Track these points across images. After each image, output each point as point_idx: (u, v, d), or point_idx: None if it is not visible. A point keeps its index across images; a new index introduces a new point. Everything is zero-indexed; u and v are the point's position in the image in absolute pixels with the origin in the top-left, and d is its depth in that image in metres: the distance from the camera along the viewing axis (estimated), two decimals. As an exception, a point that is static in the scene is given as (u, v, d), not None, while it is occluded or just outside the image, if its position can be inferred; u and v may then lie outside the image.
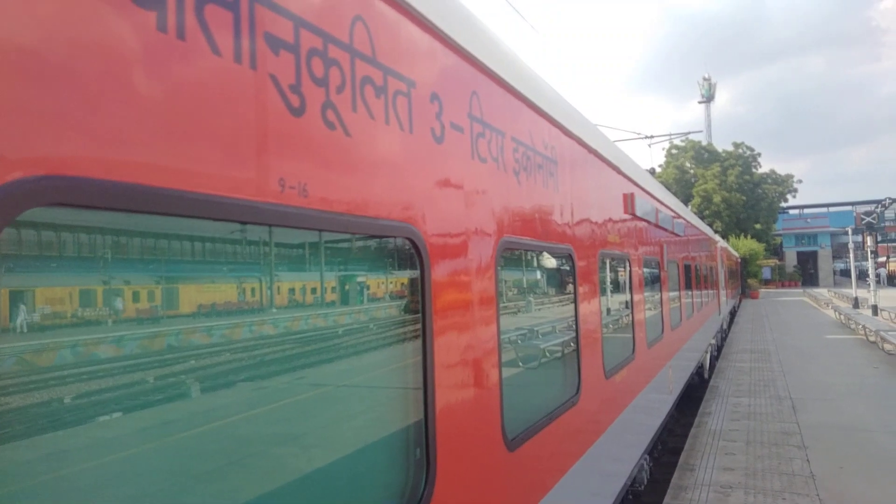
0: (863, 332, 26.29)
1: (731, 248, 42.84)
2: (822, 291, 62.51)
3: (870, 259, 36.49)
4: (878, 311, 33.39)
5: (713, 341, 21.62)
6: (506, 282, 4.09)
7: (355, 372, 3.01)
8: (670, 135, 31.57)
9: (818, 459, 10.05)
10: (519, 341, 4.63)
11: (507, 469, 3.70)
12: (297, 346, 2.61)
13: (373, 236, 2.54)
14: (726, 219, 75.14)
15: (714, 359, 21.33)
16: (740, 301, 52.40)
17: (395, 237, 2.71)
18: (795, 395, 15.10)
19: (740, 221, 77.01)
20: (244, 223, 1.92)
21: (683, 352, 13.07)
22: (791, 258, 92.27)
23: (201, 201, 1.74)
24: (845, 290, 54.54)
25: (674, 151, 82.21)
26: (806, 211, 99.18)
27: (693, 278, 16.16)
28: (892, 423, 12.38)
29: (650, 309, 9.48)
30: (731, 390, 16.15)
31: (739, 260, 55.24)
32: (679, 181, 79.48)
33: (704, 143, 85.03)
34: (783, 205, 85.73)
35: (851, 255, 45.89)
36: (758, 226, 78.16)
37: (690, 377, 14.70)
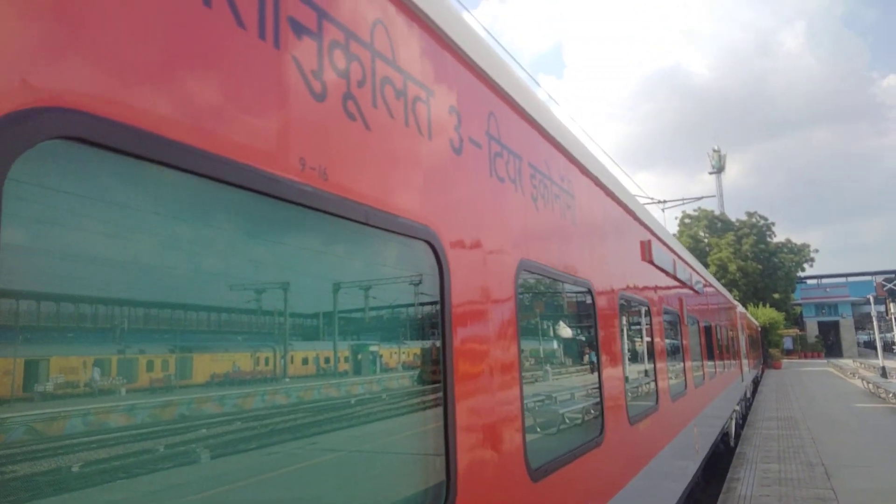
0: (894, 401, 25.33)
1: (750, 317, 42.14)
2: (846, 362, 60.77)
3: (895, 327, 35.60)
4: (908, 381, 32.27)
5: (737, 408, 20.91)
6: (525, 315, 4.02)
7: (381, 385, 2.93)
8: (683, 200, 31.89)
9: (858, 526, 9.46)
10: (536, 385, 4.51)
11: (531, 500, 3.52)
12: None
13: (392, 232, 2.52)
14: (744, 288, 74.30)
15: (739, 427, 20.55)
16: (763, 371, 50.96)
17: (414, 238, 2.70)
18: (827, 461, 14.40)
19: (758, 291, 76.03)
20: (263, 194, 1.92)
21: (707, 412, 12.63)
22: (812, 328, 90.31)
23: (222, 163, 1.76)
24: (871, 361, 52.98)
25: (687, 220, 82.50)
26: (824, 281, 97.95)
27: (714, 339, 15.83)
28: (933, 489, 11.71)
29: (672, 362, 9.25)
30: (760, 456, 15.46)
31: (759, 329, 54.18)
32: (693, 250, 79.24)
33: (717, 212, 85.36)
34: (801, 274, 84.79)
35: (875, 324, 44.86)
36: (776, 295, 77.06)
37: (716, 443, 14.14)
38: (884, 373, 38.28)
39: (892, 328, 37.41)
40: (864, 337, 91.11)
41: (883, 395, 28.04)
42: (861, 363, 54.23)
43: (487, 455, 3.11)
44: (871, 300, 44.95)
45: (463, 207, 3.19)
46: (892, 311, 34.69)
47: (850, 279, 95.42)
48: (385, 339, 2.99)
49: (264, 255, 2.19)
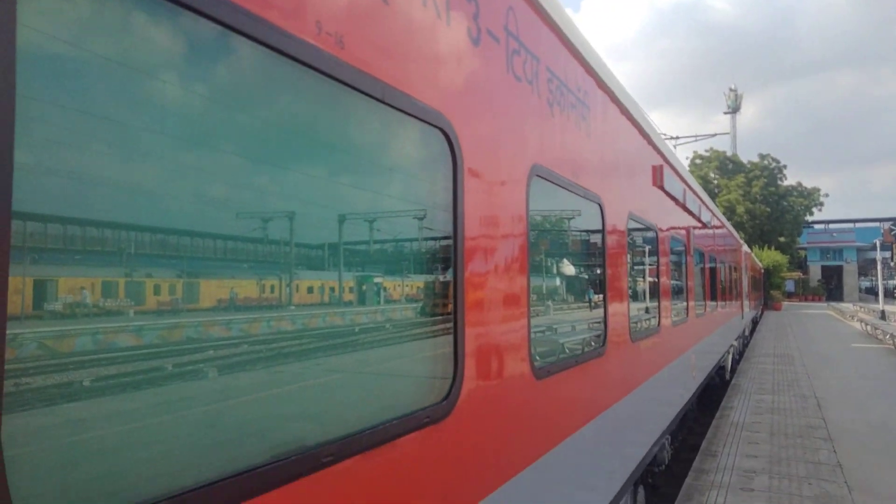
0: (890, 342, 25.67)
1: (754, 257, 42.19)
2: (846, 305, 61.26)
3: (898, 271, 35.63)
4: (906, 324, 32.60)
5: (735, 343, 21.26)
6: (536, 224, 4.01)
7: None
8: (696, 136, 31.27)
9: (845, 451, 9.79)
10: (544, 286, 4.56)
11: (535, 392, 3.64)
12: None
13: (406, 114, 2.49)
14: (750, 230, 74.04)
15: (735, 362, 20.95)
16: (762, 312, 51.48)
17: (428, 124, 2.67)
18: (820, 394, 14.76)
19: (764, 234, 75.80)
20: (276, 51, 1.88)
21: (706, 343, 12.86)
22: (815, 272, 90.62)
23: (238, 11, 1.73)
24: (871, 305, 53.39)
25: (697, 161, 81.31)
26: (832, 226, 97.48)
27: (717, 274, 15.92)
28: (922, 421, 12.04)
29: (675, 289, 9.34)
30: (754, 388, 15.85)
31: (763, 270, 54.37)
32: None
33: (729, 153, 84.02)
34: (808, 219, 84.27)
35: (879, 268, 44.92)
36: (782, 239, 76.86)
37: (712, 373, 14.45)
38: (883, 315, 38.65)
39: (894, 275, 37.62)
40: (865, 283, 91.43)
41: (881, 337, 28.40)
42: (861, 307, 54.67)
43: (494, 349, 3.19)
44: (878, 245, 44.81)
45: (478, 100, 3.14)
46: (898, 256, 34.62)
47: (858, 225, 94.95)
48: (395, 231, 3.01)
49: (278, 125, 2.17)
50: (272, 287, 2.29)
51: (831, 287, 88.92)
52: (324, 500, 1.98)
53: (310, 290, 2.42)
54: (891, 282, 57.49)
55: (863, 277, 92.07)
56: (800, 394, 14.93)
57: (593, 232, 5.29)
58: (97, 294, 1.61)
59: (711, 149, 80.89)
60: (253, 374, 2.18)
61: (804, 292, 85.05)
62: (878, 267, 45.14)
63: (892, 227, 38.36)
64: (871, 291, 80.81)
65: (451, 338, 2.83)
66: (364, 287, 2.74)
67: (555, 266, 4.79)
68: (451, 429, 2.72)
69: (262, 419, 2.05)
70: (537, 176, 3.82)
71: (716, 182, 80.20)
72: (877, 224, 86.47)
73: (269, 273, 2.26)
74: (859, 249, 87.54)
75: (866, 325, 33.16)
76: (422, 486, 2.52)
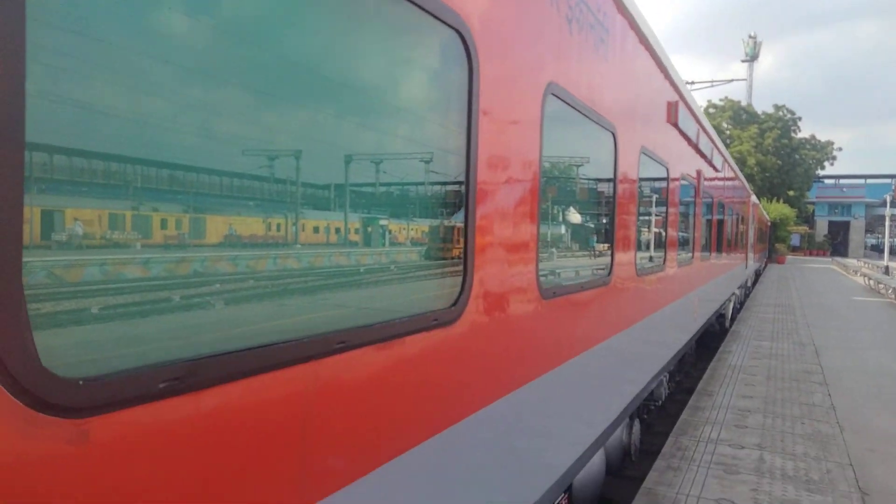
0: (893, 296, 25.78)
1: (762, 209, 41.93)
2: (851, 261, 61.19)
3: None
4: (910, 279, 32.64)
5: (737, 292, 21.39)
6: (549, 145, 3.94)
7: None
8: (712, 82, 30.49)
9: (839, 394, 9.97)
10: (556, 207, 4.53)
11: (540, 311, 3.68)
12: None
13: (421, 9, 2.40)
14: (759, 182, 73.23)
15: (736, 312, 21.12)
16: (766, 265, 51.55)
17: (444, 24, 2.58)
18: (818, 343, 14.93)
19: (773, 187, 75.04)
20: None
21: (709, 287, 12.92)
22: (822, 227, 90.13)
23: None
24: (876, 262, 53.35)
25: (711, 110, 79.66)
26: (842, 181, 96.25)
27: (725, 220, 15.84)
28: (918, 370, 12.22)
29: (682, 230, 9.31)
30: (753, 335, 16.02)
31: (769, 223, 54.11)
32: (714, 141, 77.07)
33: (744, 103, 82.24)
34: (819, 173, 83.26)
35: (888, 223, 44.62)
36: (791, 192, 76.17)
37: (713, 318, 14.59)
38: (887, 271, 38.65)
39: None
40: (871, 240, 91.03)
41: (883, 291, 28.51)
42: (865, 262, 54.63)
43: (502, 262, 3.20)
44: (888, 200, 44.38)
45: (495, 5, 3.04)
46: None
47: (869, 181, 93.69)
48: (408, 135, 2.96)
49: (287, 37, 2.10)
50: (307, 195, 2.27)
51: (837, 242, 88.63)
52: (334, 383, 2.02)
53: (325, 200, 2.41)
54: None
55: (869, 234, 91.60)
56: (798, 341, 15.10)
57: (605, 162, 5.22)
58: (104, 226, 1.61)
59: (726, 98, 79.22)
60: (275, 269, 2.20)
61: (809, 247, 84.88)
62: (887, 222, 44.82)
63: (905, 183, 37.78)
64: (877, 248, 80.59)
65: (461, 247, 2.83)
66: (377, 192, 2.72)
67: (565, 191, 4.75)
68: (458, 334, 2.75)
69: (279, 303, 2.08)
70: (552, 94, 3.73)
71: (728, 132, 78.82)
72: (888, 180, 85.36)
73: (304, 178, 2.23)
74: (868, 205, 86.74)
75: (869, 279, 33.23)
76: (426, 385, 2.57)
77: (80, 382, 1.30)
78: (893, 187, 58.64)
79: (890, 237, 46.62)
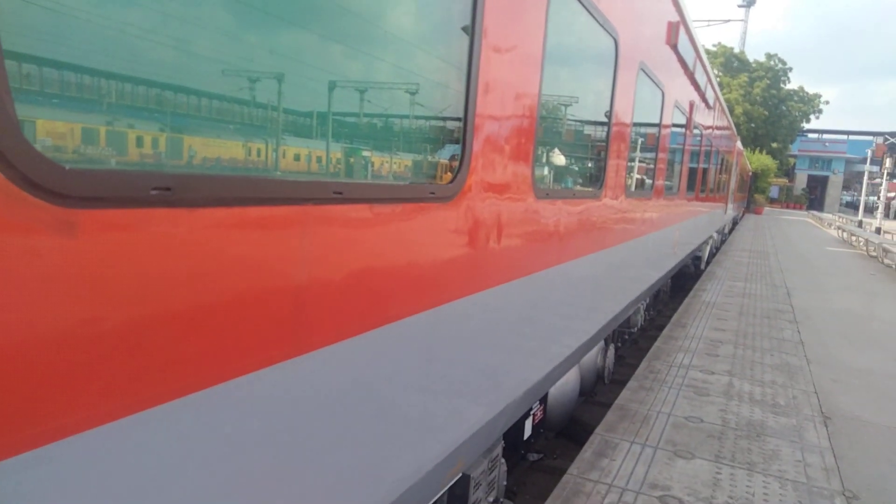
0: (864, 247, 26.34)
1: (746, 158, 42.03)
2: (826, 215, 62.20)
3: (884, 182, 35.89)
4: (882, 233, 33.33)
5: (715, 236, 21.63)
6: (551, 42, 3.74)
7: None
8: (708, 21, 29.79)
9: (808, 331, 10.23)
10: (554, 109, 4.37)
11: (532, 208, 3.59)
12: None
13: None
14: (745, 132, 73.11)
15: (711, 256, 21.41)
16: (743, 214, 52.17)
17: None
18: (790, 285, 15.25)
19: (758, 137, 75.09)
20: None
21: (691, 223, 12.99)
22: (801, 181, 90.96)
23: None
24: (851, 217, 54.29)
25: (703, 56, 78.41)
26: (825, 136, 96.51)
27: (711, 158, 15.79)
28: (881, 312, 12.61)
29: (671, 161, 9.22)
30: (728, 276, 16.29)
31: (751, 173, 54.43)
32: (703, 88, 76.26)
33: (737, 50, 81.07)
34: (804, 126, 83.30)
35: (865, 179, 45.16)
36: (775, 144, 76.36)
37: (690, 256, 14.76)
38: (860, 224, 39.40)
39: (877, 191, 37.87)
40: (847, 197, 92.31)
41: (854, 243, 29.11)
42: (840, 216, 55.60)
43: (499, 150, 3.08)
44: (869, 155, 44.75)
45: None
46: (888, 166, 34.65)
47: (852, 137, 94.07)
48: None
49: None
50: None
51: (814, 197, 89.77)
52: (328, 234, 1.92)
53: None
54: (871, 197, 58.20)
55: (845, 192, 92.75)
56: (771, 283, 15.40)
57: (605, 70, 5.04)
58: (76, 140, 1.46)
59: (719, 44, 77.97)
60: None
61: (787, 199, 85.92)
62: (865, 177, 45.35)
63: (887, 138, 38.05)
64: (852, 205, 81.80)
65: (461, 126, 2.70)
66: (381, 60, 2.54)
67: (567, 93, 4.58)
68: (453, 211, 2.65)
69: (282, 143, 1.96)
70: None
71: (719, 80, 77.96)
72: (870, 138, 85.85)
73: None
74: (848, 161, 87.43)
75: (843, 231, 33.86)
76: (414, 259, 2.48)
77: (67, 168, 1.18)
78: (874, 144, 59.02)
79: (866, 194, 47.32)
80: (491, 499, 4.09)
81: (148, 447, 1.44)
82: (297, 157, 1.99)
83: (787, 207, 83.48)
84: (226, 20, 1.74)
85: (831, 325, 10.98)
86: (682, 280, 16.55)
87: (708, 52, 78.77)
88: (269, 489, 1.84)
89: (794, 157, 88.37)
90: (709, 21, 30.18)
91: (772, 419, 6.17)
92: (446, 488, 3.38)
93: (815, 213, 66.22)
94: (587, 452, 5.12)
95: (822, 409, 6.54)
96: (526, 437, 5.01)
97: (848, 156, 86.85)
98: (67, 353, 1.23)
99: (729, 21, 47.94)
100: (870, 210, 56.30)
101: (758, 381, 7.40)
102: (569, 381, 6.15)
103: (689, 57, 8.79)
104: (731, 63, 78.04)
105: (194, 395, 1.52)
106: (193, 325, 1.49)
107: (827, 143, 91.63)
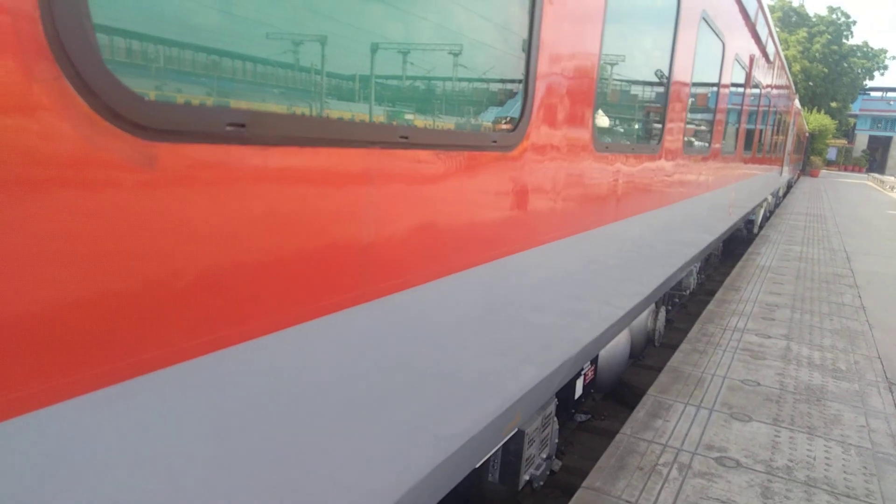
0: (929, 211, 25.01)
1: (803, 117, 40.15)
2: (888, 177, 59.21)
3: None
4: (949, 196, 31.55)
5: (770, 198, 20.86)
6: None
7: None
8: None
9: (870, 296, 9.82)
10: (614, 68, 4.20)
11: (592, 162, 3.48)
12: None
13: None
14: (801, 91, 69.68)
15: (765, 220, 20.69)
16: (798, 177, 50.11)
17: None
18: (850, 249, 14.63)
19: (816, 97, 71.52)
20: None
21: (747, 184, 12.52)
22: (861, 142, 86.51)
23: None
24: (914, 179, 51.55)
25: (759, 10, 74.53)
26: (890, 94, 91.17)
27: (769, 117, 15.11)
28: (952, 279, 11.98)
29: (729, 117, 8.83)
30: (783, 240, 15.73)
31: (808, 133, 52.06)
32: (758, 45, 72.65)
33: (796, 4, 76.78)
34: (867, 84, 78.81)
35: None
36: (834, 104, 72.64)
37: (745, 219, 14.28)
38: (925, 188, 37.36)
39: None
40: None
41: (919, 207, 27.67)
42: (903, 179, 52.82)
43: (560, 100, 2.98)
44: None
45: None
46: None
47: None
48: None
49: None
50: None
51: (875, 159, 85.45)
52: (395, 177, 1.88)
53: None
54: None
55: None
56: (829, 247, 14.80)
57: (666, 20, 4.80)
58: (155, 72, 1.43)
59: (777, -2, 73.95)
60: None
61: (846, 162, 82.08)
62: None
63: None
64: (916, 167, 77.64)
65: (523, 78, 2.60)
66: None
67: (629, 43, 4.39)
68: (513, 162, 2.58)
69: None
70: None
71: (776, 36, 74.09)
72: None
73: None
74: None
75: (906, 194, 32.19)
76: (476, 210, 2.43)
77: (147, 98, 1.16)
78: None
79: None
80: (544, 455, 4.10)
81: (239, 380, 1.46)
82: (365, 99, 1.95)
83: (846, 170, 79.81)
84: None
85: (895, 290, 10.51)
86: (733, 245, 16.07)
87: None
88: (333, 435, 1.85)
89: (855, 116, 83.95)
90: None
91: (832, 384, 5.97)
92: (502, 442, 3.38)
93: (875, 175, 63.04)
94: (640, 413, 5.06)
95: (887, 375, 6.30)
96: (577, 396, 4.98)
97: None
98: (149, 287, 1.23)
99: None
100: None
101: (817, 345, 7.16)
102: (620, 343, 6.08)
103: (752, 6, 8.33)
104: (789, 17, 74.04)
105: (267, 337, 1.53)
106: (264, 266, 1.48)
107: (892, 102, 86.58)
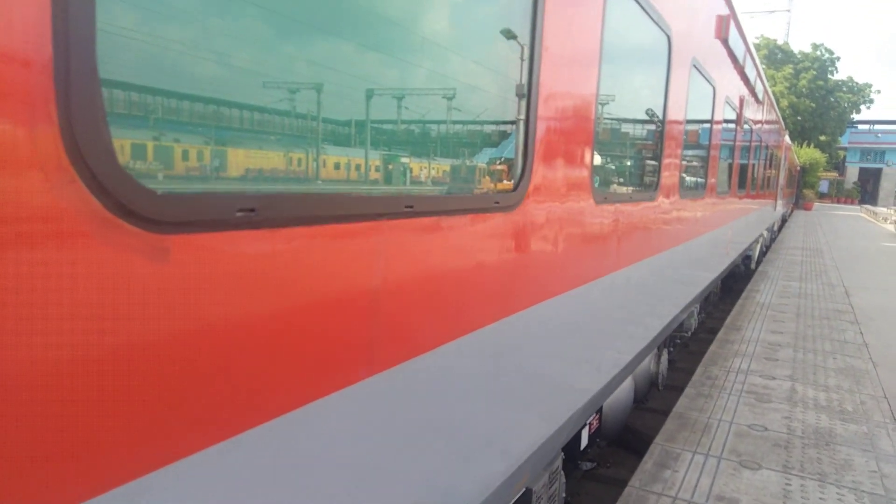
0: (924, 242, 25.15)
1: (794, 152, 40.71)
2: (881, 209, 59.74)
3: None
4: (943, 227, 31.78)
5: (765, 234, 20.95)
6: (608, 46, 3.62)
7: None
8: (752, 13, 28.93)
9: (871, 333, 9.77)
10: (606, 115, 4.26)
11: (592, 214, 3.49)
12: None
13: None
14: (791, 126, 70.74)
15: (762, 255, 20.74)
16: (792, 210, 50.49)
17: None
18: (848, 284, 14.63)
19: (805, 131, 72.63)
20: None
21: (742, 222, 12.60)
22: (852, 174, 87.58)
23: None
24: (907, 209, 51.94)
25: (745, 49, 76.26)
26: (877, 126, 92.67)
27: (761, 155, 15.30)
28: (953, 313, 11.94)
29: (723, 157, 8.94)
30: (781, 276, 15.74)
31: (799, 167, 52.69)
32: (745, 82, 74.19)
33: (781, 41, 78.68)
34: (854, 117, 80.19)
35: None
36: (823, 137, 73.73)
37: (742, 256, 14.31)
38: (918, 219, 37.65)
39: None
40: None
41: (914, 238, 27.82)
42: (896, 210, 53.28)
43: (560, 156, 3.00)
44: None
45: None
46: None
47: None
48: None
49: None
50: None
51: (866, 190, 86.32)
52: (402, 247, 1.88)
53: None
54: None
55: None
56: (828, 282, 14.81)
57: (658, 68, 4.89)
58: (126, 156, 1.45)
59: (762, 36, 75.80)
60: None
61: (837, 194, 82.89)
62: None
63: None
64: (908, 198, 78.40)
65: (523, 136, 2.63)
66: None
67: (622, 94, 4.46)
68: (518, 219, 2.58)
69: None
70: None
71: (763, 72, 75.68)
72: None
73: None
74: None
75: (900, 226, 32.42)
76: (482, 272, 2.42)
77: (158, 193, 1.16)
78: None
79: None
80: (552, 512, 3.99)
81: (237, 474, 1.43)
82: (371, 171, 1.97)
83: (838, 202, 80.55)
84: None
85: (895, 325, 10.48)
86: (731, 281, 16.06)
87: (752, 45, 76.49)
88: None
89: (844, 149, 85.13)
90: (752, 12, 29.38)
91: (840, 426, 5.88)
92: (511, 503, 3.30)
93: (868, 207, 63.58)
94: (648, 463, 4.96)
95: (895, 416, 6.21)
96: (583, 447, 4.88)
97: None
98: (162, 378, 1.21)
99: (774, 12, 46.45)
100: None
101: (822, 385, 7.08)
102: (624, 390, 6.00)
103: (739, 50, 8.52)
104: (774, 55, 75.77)
105: (278, 419, 1.49)
106: (277, 348, 1.46)
107: (879, 134, 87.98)
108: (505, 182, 2.68)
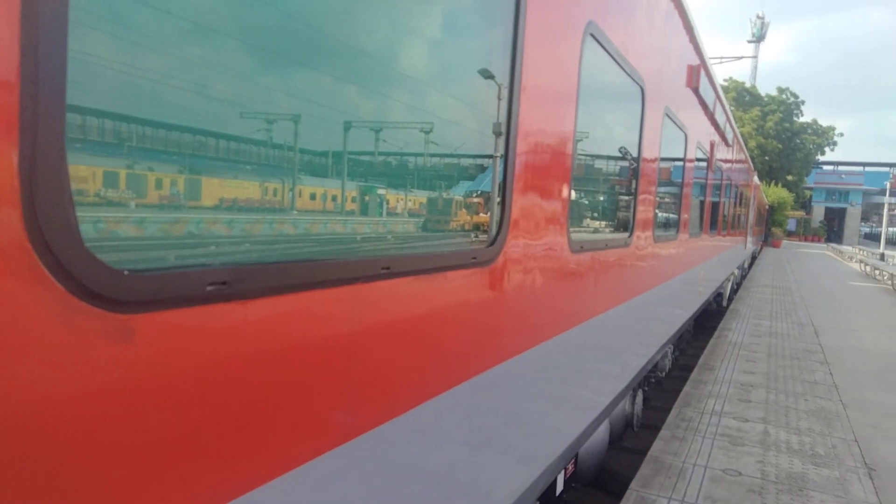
0: (889, 282, 25.83)
1: (762, 191, 41.83)
2: (846, 247, 61.38)
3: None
4: (906, 267, 32.70)
5: (736, 272, 21.33)
6: (584, 96, 3.71)
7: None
8: (721, 59, 30.07)
9: (841, 373, 9.93)
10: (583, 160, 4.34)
11: (569, 263, 3.52)
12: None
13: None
14: (759, 166, 72.84)
15: (733, 293, 21.08)
16: (761, 248, 51.62)
17: None
18: (817, 323, 14.90)
19: (773, 170, 74.87)
20: None
21: (714, 262, 12.82)
22: (818, 213, 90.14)
23: None
24: (872, 249, 53.48)
25: (714, 91, 78.78)
26: (841, 168, 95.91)
27: (731, 195, 15.67)
28: (917, 353, 12.21)
29: (694, 200, 9.14)
30: (752, 314, 15.99)
31: (767, 206, 54.08)
32: (715, 122, 76.43)
33: (748, 85, 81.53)
34: (819, 158, 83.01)
35: (886, 211, 44.65)
36: (790, 177, 76.05)
37: (714, 295, 14.52)
38: (882, 257, 38.75)
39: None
40: (865, 229, 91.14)
41: (878, 277, 28.58)
42: (861, 249, 54.80)
43: (536, 209, 3.03)
44: (888, 187, 44.30)
45: None
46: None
47: (868, 169, 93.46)
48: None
49: None
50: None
51: (832, 229, 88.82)
52: (378, 310, 1.86)
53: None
54: (891, 228, 57.36)
55: (864, 223, 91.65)
56: (797, 321, 15.07)
57: (632, 118, 5.02)
58: (98, 184, 1.45)
59: (730, 79, 78.49)
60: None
61: (805, 232, 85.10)
62: (885, 210, 44.84)
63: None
64: (871, 237, 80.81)
65: (499, 192, 2.66)
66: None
67: (598, 150, 4.55)
68: (494, 275, 2.59)
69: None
70: (591, 35, 3.51)
71: (731, 114, 78.08)
72: (887, 168, 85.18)
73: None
74: (866, 193, 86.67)
75: (865, 265, 33.29)
76: (460, 327, 2.41)
77: (125, 273, 1.13)
78: (892, 176, 58.46)
79: (889, 226, 46.77)
80: (527, 564, 3.92)
81: None
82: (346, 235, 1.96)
83: (806, 240, 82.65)
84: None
85: (863, 365, 10.66)
86: (703, 318, 16.25)
87: (720, 87, 79.06)
88: None
89: (811, 189, 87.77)
90: (721, 58, 30.50)
91: (813, 471, 5.92)
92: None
93: (834, 245, 65.31)
94: (623, 511, 4.92)
95: (866, 460, 6.28)
96: (558, 493, 4.83)
97: (865, 187, 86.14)
98: (128, 461, 1.17)
99: (741, 58, 48.24)
100: (890, 240, 55.46)
101: (794, 428, 7.14)
102: (599, 433, 5.98)
103: (710, 98, 8.79)
104: (742, 97, 78.39)
105: (254, 491, 1.45)
106: (249, 422, 1.42)
107: (843, 175, 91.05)
108: (482, 238, 2.69)
